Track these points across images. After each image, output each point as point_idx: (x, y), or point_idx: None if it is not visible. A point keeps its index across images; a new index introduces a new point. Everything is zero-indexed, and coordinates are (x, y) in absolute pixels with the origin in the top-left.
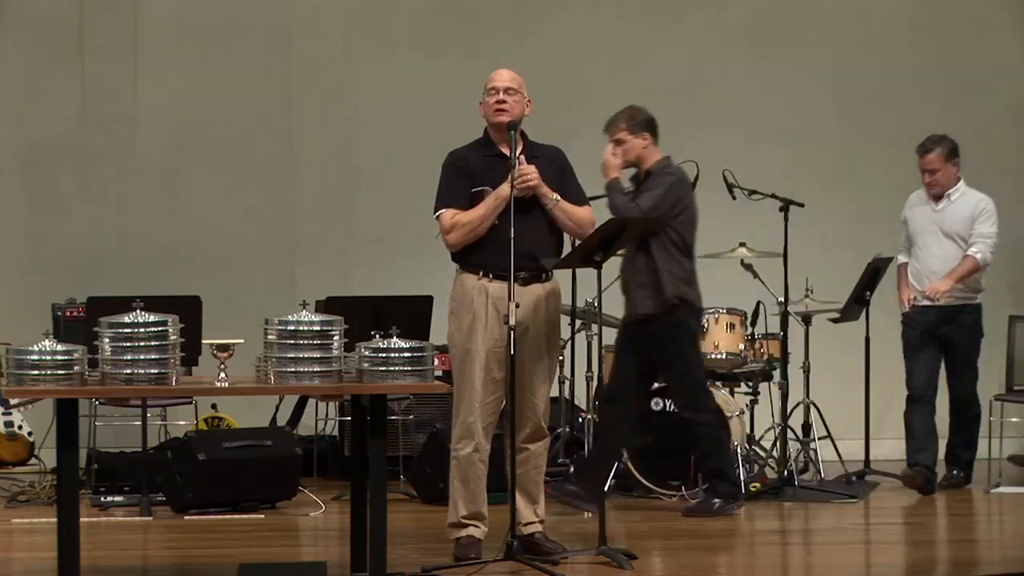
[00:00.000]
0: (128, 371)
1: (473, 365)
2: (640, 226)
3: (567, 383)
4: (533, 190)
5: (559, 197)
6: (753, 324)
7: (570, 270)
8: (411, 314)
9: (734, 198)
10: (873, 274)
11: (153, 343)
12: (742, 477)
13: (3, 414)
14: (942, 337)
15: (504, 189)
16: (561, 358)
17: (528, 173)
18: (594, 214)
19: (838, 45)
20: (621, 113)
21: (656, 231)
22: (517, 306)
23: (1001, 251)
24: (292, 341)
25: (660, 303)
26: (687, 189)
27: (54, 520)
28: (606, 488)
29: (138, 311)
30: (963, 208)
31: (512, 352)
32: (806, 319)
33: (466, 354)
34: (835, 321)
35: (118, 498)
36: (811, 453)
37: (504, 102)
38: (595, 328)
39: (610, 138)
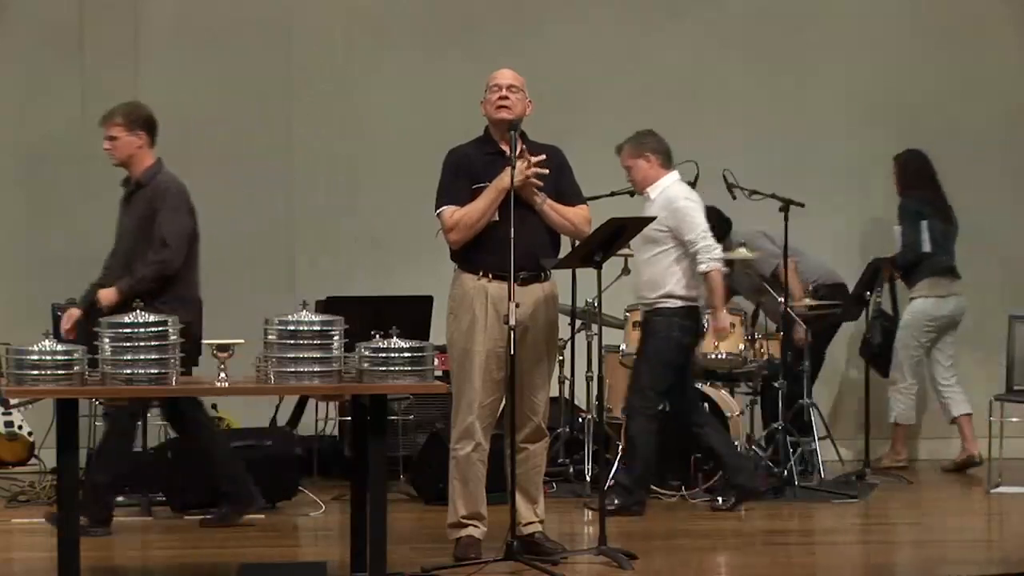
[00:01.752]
0: (128, 371)
1: (473, 365)
2: (639, 225)
3: (567, 383)
4: (530, 180)
5: (546, 196)
6: (753, 324)
7: (570, 270)
8: (411, 314)
9: (734, 198)
10: (873, 274)
11: (153, 343)
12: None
13: (3, 414)
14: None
15: (503, 180)
16: (561, 358)
17: (535, 161)
18: (590, 213)
19: (838, 45)
20: (119, 106)
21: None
22: (517, 306)
23: (1001, 251)
24: (292, 341)
25: None
26: (190, 199)
27: None
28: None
29: (138, 311)
30: (653, 209)
31: (512, 352)
32: (806, 319)
33: (465, 354)
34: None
35: (118, 498)
36: (811, 453)
37: (507, 98)
38: (595, 328)
39: (105, 132)
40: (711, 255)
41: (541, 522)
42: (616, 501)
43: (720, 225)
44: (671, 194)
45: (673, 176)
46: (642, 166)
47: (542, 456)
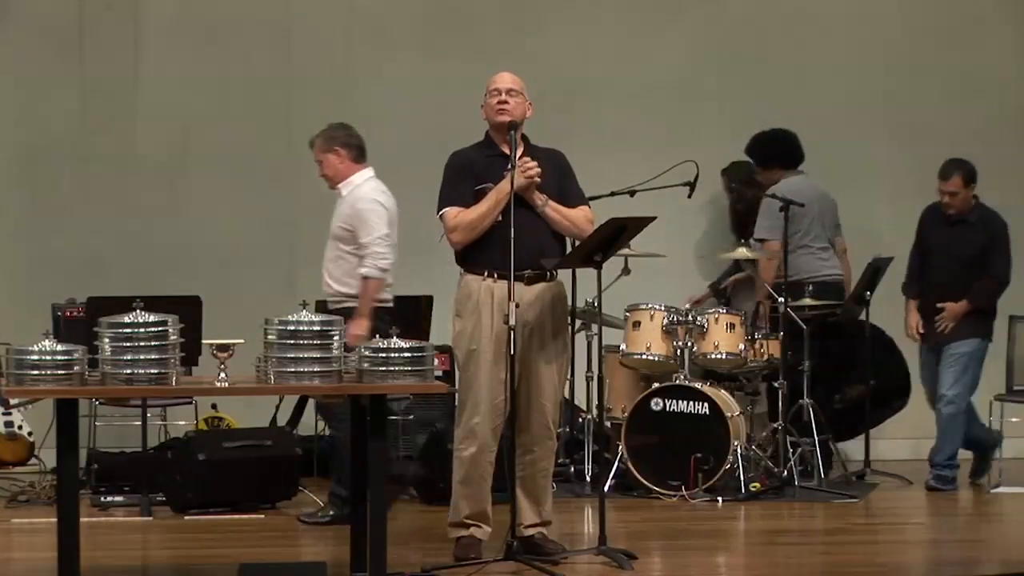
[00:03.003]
0: (128, 371)
1: (479, 366)
2: (640, 225)
3: (567, 383)
4: (532, 182)
5: (547, 198)
6: (753, 324)
7: (570, 270)
8: (411, 314)
9: None
10: (873, 274)
11: (153, 343)
12: (742, 477)
13: (3, 414)
14: None
15: (506, 184)
16: None
17: (530, 166)
18: (593, 214)
19: (838, 45)
20: None
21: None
22: (517, 306)
23: None
24: (292, 341)
25: None
26: None
27: (54, 520)
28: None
29: (138, 311)
30: (343, 206)
31: (512, 352)
32: (806, 319)
33: (471, 355)
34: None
35: (118, 498)
36: (810, 453)
37: (506, 102)
38: (595, 328)
39: None
40: (377, 262)
41: (546, 524)
42: (332, 513)
43: (793, 151)
44: (359, 193)
45: (365, 173)
46: (332, 161)
47: (550, 459)
